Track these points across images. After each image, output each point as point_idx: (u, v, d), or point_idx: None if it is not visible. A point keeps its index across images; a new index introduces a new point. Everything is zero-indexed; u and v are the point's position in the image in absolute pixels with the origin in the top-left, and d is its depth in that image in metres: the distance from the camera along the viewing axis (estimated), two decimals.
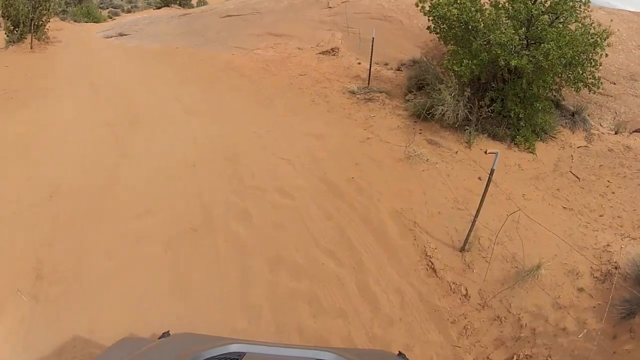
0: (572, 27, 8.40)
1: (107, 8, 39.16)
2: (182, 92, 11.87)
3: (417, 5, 9.57)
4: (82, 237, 6.57)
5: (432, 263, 6.21)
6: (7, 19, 16.75)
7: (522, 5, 8.56)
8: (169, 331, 3.42)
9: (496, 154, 5.70)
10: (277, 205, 7.19)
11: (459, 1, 8.87)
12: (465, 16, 8.68)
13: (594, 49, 8.13)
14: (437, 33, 9.70)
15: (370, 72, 11.43)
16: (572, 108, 9.57)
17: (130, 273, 5.98)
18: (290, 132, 9.39)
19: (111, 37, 19.76)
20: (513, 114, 8.81)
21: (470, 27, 8.78)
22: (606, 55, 8.39)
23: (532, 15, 8.44)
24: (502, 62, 8.17)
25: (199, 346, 2.87)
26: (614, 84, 10.05)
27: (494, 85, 8.97)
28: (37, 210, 7.11)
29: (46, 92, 12.22)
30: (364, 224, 6.86)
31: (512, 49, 8.27)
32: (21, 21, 16.57)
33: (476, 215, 6.14)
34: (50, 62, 15.69)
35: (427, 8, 9.36)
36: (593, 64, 8.35)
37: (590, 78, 8.38)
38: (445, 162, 8.19)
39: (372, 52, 11.20)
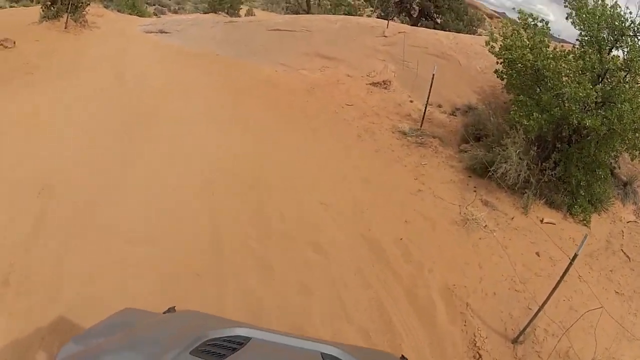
0: None
1: (154, 5, 38.95)
2: (215, 102, 10.59)
3: (486, 44, 8.75)
4: (66, 248, 5.30)
5: (479, 355, 5.08)
6: None
7: (596, 57, 7.60)
8: (174, 307, 3.24)
9: (584, 237, 4.98)
10: (307, 262, 5.78)
11: (534, 46, 7.99)
12: (540, 63, 7.78)
13: None
14: (502, 78, 8.89)
15: (425, 113, 10.33)
16: (624, 178, 8.77)
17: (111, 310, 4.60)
18: (333, 170, 8.10)
19: (151, 32, 18.72)
20: (574, 180, 7.87)
21: (541, 76, 7.90)
22: None
23: (607, 69, 7.57)
24: (575, 121, 7.24)
25: (205, 325, 2.74)
26: None
27: (558, 145, 8.02)
28: (21, 205, 5.88)
29: (68, 74, 11.14)
30: (409, 300, 5.58)
31: (586, 106, 7.36)
32: None
33: (542, 306, 5.18)
34: (82, 45, 14.63)
35: (498, 49, 8.51)
36: None
37: None
38: (502, 230, 7.11)
39: (429, 91, 10.19)
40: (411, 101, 11.76)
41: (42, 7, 15.86)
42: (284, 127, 9.60)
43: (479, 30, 34.13)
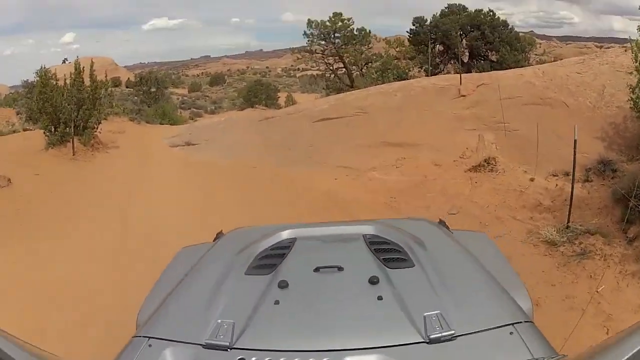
0: None
1: (189, 108, 37.36)
2: None
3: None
4: None
5: None
6: (45, 115, 13.41)
7: None
8: (221, 230, 3.34)
9: None
10: None
11: None
12: None
13: None
14: None
15: (572, 198, 7.11)
16: None
17: None
18: None
19: (177, 145, 15.82)
20: None
21: None
22: None
23: None
24: None
25: (253, 239, 2.79)
26: None
27: None
28: None
29: (64, 223, 8.61)
30: None
31: None
32: (61, 121, 13.21)
33: None
34: (90, 176, 12.00)
35: None
36: None
37: None
38: None
39: (574, 167, 7.22)
40: (532, 179, 8.67)
41: (44, 132, 13.39)
42: None
43: (531, 55, 30.84)
